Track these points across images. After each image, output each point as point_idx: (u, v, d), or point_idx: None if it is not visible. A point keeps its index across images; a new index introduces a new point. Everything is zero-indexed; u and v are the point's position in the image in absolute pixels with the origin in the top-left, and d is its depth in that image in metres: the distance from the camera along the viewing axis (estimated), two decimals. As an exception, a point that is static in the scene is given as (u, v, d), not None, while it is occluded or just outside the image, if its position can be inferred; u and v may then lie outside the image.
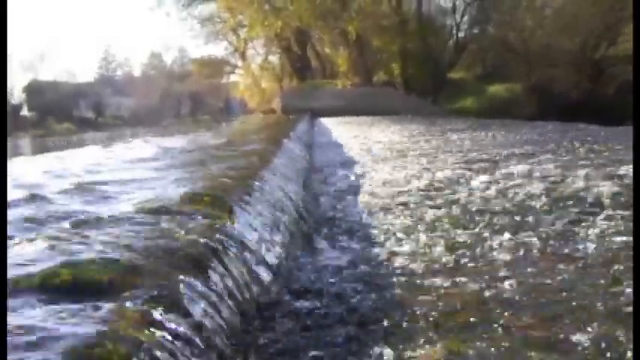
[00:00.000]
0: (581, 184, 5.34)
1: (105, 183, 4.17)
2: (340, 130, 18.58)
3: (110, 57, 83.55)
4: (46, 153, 11.26)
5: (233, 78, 58.71)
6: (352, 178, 7.17)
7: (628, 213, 4.03)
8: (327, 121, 23.95)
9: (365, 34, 39.44)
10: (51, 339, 1.43)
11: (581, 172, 6.02)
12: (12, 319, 1.53)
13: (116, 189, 3.92)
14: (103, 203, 3.36)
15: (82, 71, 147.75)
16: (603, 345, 2.01)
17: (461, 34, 40.52)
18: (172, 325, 1.67)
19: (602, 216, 4.02)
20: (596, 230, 3.68)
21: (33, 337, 1.43)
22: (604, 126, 14.44)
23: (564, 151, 8.67)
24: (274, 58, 51.89)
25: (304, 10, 38.42)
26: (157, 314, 1.69)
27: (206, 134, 14.19)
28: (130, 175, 4.74)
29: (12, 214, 3.02)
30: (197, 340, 1.73)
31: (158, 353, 1.52)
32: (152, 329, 1.60)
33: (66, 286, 1.82)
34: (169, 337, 1.62)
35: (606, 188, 4.97)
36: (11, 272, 1.91)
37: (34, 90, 64.04)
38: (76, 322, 1.55)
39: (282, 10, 39.99)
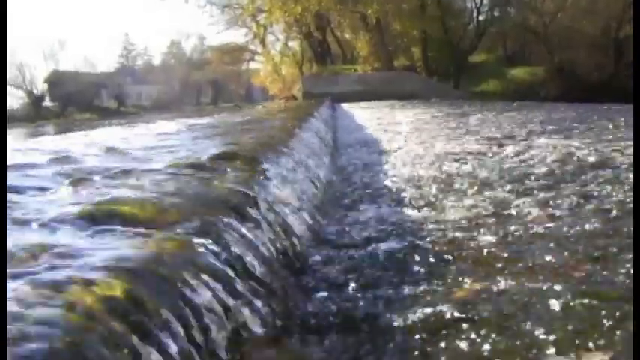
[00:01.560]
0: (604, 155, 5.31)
1: (137, 149, 4.21)
2: (362, 113, 18.52)
3: (130, 46, 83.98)
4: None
5: (253, 65, 58.79)
6: (375, 155, 7.16)
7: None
8: (348, 106, 23.86)
9: (385, 18, 39.28)
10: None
11: (603, 146, 5.97)
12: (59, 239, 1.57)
13: (147, 153, 3.95)
14: (136, 163, 3.40)
15: (103, 60, 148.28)
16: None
17: (481, 17, 40.25)
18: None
19: (619, 181, 4.00)
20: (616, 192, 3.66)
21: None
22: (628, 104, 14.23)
23: (588, 129, 8.58)
24: (294, 44, 51.80)
25: (324, -7, 38.37)
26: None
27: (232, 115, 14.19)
28: (159, 143, 4.78)
29: (46, 172, 3.06)
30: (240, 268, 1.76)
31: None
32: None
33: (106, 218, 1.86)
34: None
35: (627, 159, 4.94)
36: (57, 210, 1.95)
37: (55, 80, 64.56)
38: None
39: (301, -5, 39.91)
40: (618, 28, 32.25)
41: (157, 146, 4.45)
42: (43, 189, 2.52)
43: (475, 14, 40.46)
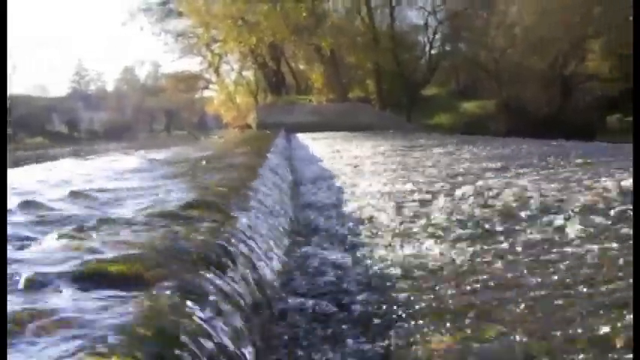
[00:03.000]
0: (555, 196, 5.53)
1: (102, 192, 4.26)
2: (317, 146, 18.71)
3: (83, 71, 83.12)
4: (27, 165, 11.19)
5: (207, 93, 58.72)
6: (332, 190, 7.29)
7: (602, 220, 4.21)
8: (303, 137, 24.04)
9: (339, 50, 39.81)
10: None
11: (556, 186, 6.22)
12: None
13: (114, 197, 4.01)
14: (106, 208, 3.46)
15: (54, 85, 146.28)
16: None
17: (433, 51, 41.09)
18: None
19: (575, 224, 4.18)
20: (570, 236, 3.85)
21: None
22: (576, 141, 14.73)
23: (540, 166, 8.86)
24: (248, 74, 51.99)
25: (278, 25, 38.65)
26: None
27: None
28: (124, 184, 4.83)
29: (18, 219, 3.11)
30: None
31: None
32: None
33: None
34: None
35: (582, 199, 5.16)
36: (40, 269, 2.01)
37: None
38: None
39: (256, 25, 40.14)
40: (565, 65, 33.33)
41: (121, 188, 4.51)
42: (22, 239, 2.58)
43: (427, 48, 41.31)
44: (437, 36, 40.52)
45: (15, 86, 71.41)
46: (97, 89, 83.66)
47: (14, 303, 1.66)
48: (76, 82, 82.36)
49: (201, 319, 1.73)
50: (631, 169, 6.68)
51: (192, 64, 63.89)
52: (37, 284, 1.87)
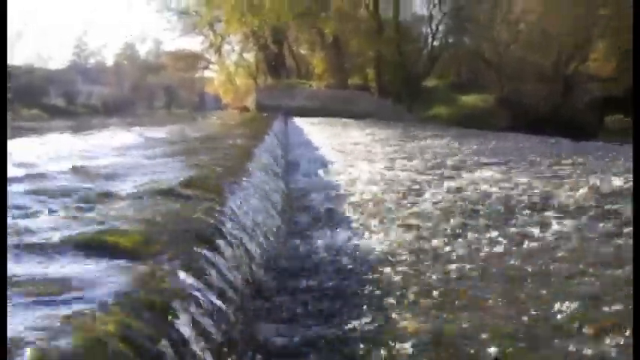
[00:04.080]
0: (546, 192, 5.71)
1: (102, 168, 4.42)
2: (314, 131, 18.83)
3: (83, 45, 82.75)
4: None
5: (208, 73, 58.66)
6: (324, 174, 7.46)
7: (585, 218, 4.39)
8: (300, 122, 24.11)
9: (342, 36, 39.79)
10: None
11: (548, 182, 6.40)
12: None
13: (113, 173, 4.17)
14: (107, 184, 3.63)
15: (54, 57, 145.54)
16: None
17: (436, 43, 41.04)
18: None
19: (559, 219, 4.36)
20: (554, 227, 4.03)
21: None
22: (573, 140, 14.88)
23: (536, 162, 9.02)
24: (249, 56, 51.88)
25: (282, 8, 38.60)
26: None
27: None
28: (123, 160, 4.99)
29: (22, 187, 3.27)
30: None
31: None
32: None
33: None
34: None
35: (572, 196, 5.35)
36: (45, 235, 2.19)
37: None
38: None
39: (259, 7, 40.06)
40: (567, 64, 33.42)
41: (120, 164, 4.67)
42: (26, 209, 2.75)
43: (430, 39, 41.27)
44: (440, 27, 40.47)
45: (17, 57, 71.15)
46: (96, 63, 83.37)
47: (18, 267, 1.83)
48: (75, 55, 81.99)
49: (193, 287, 1.92)
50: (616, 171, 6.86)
51: (194, 43, 63.72)
52: (39, 251, 2.04)
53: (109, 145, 6.68)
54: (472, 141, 13.90)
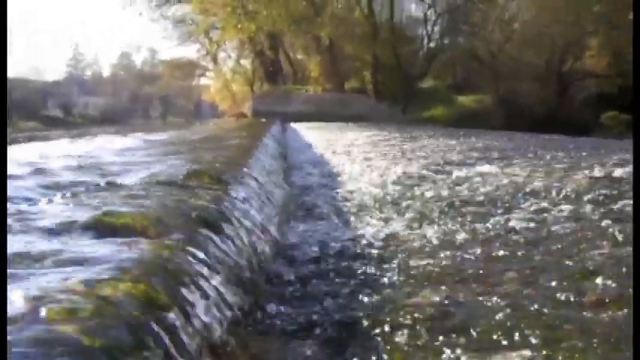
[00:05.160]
0: (543, 181, 5.78)
1: (106, 165, 4.48)
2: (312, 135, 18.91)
3: (79, 56, 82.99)
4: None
5: (204, 81, 58.80)
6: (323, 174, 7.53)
7: (590, 206, 4.45)
8: (298, 127, 24.19)
9: (337, 40, 39.92)
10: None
11: (544, 172, 6.47)
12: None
13: (117, 169, 4.23)
14: (112, 178, 3.69)
15: (50, 69, 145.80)
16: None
17: (432, 44, 41.21)
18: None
19: (559, 207, 4.42)
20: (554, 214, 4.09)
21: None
22: (570, 136, 14.93)
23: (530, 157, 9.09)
24: (246, 62, 52.01)
25: (278, 14, 38.74)
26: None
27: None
28: (125, 159, 5.06)
29: (30, 184, 3.33)
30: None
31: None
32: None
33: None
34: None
35: (571, 185, 5.41)
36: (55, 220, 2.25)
37: (1, 87, 63.18)
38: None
39: (255, 14, 40.19)
40: (561, 62, 33.54)
41: (123, 162, 4.73)
42: (33, 199, 2.80)
43: (426, 41, 41.44)
44: (436, 29, 40.65)
45: (10, 69, 71.17)
46: (93, 74, 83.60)
47: (30, 244, 1.89)
48: (72, 67, 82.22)
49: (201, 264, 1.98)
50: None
51: (190, 52, 63.72)
52: (52, 231, 2.10)
53: (110, 147, 6.75)
54: (468, 139, 13.97)
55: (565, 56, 33.48)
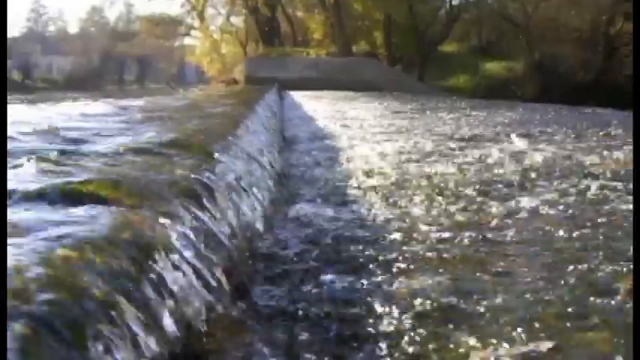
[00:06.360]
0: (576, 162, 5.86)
1: (71, 130, 4.54)
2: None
3: (40, 8, 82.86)
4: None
5: (188, 41, 58.66)
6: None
7: (620, 184, 4.53)
8: (297, 95, 24.13)
9: (344, -5, 39.92)
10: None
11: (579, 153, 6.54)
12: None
13: (84, 135, 4.29)
14: (80, 145, 3.76)
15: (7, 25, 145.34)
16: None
17: (454, 2, 41.12)
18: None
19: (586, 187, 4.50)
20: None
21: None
22: (615, 109, 14.76)
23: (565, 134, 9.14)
24: (238, 20, 51.91)
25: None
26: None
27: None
28: (93, 125, 5.12)
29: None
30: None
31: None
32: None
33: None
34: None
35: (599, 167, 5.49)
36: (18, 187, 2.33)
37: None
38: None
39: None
40: (609, 23, 33.35)
41: (94, 128, 4.80)
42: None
43: (448, -2, 41.36)
44: (460, -17, 40.55)
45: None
46: (57, 30, 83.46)
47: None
48: (31, 21, 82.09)
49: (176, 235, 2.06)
50: None
51: (172, 6, 63.61)
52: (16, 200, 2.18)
53: (77, 113, 6.78)
54: (496, 112, 13.99)
55: (613, 16, 33.27)
